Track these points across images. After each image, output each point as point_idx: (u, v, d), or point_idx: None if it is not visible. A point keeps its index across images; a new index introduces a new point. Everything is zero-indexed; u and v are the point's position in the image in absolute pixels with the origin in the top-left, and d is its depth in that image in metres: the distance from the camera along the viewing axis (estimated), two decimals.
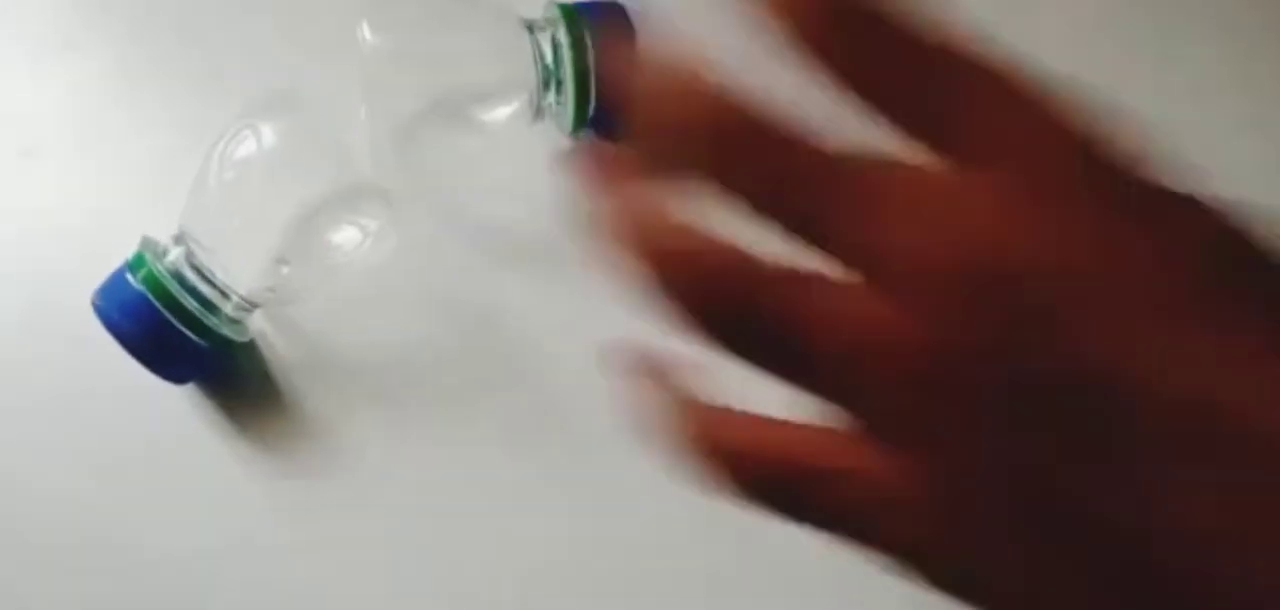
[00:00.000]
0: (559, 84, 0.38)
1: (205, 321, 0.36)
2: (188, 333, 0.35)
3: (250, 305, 0.37)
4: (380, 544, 0.37)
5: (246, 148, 0.36)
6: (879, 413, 0.15)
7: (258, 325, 0.39)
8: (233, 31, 0.44)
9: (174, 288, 0.35)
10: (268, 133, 0.36)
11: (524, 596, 0.37)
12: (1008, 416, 0.14)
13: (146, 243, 0.36)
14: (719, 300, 0.15)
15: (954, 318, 0.14)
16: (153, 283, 0.35)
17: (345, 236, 0.38)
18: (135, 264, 0.36)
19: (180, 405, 0.38)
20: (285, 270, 0.37)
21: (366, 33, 0.36)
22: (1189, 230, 0.14)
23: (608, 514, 0.38)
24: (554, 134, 0.41)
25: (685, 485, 0.18)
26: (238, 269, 0.36)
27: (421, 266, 0.40)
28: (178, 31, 0.44)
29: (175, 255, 0.36)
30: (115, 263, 0.36)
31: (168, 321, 0.35)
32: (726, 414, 0.18)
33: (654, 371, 0.18)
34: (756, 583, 0.37)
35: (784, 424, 0.17)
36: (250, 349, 0.39)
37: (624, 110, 0.16)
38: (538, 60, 0.38)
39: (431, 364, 0.40)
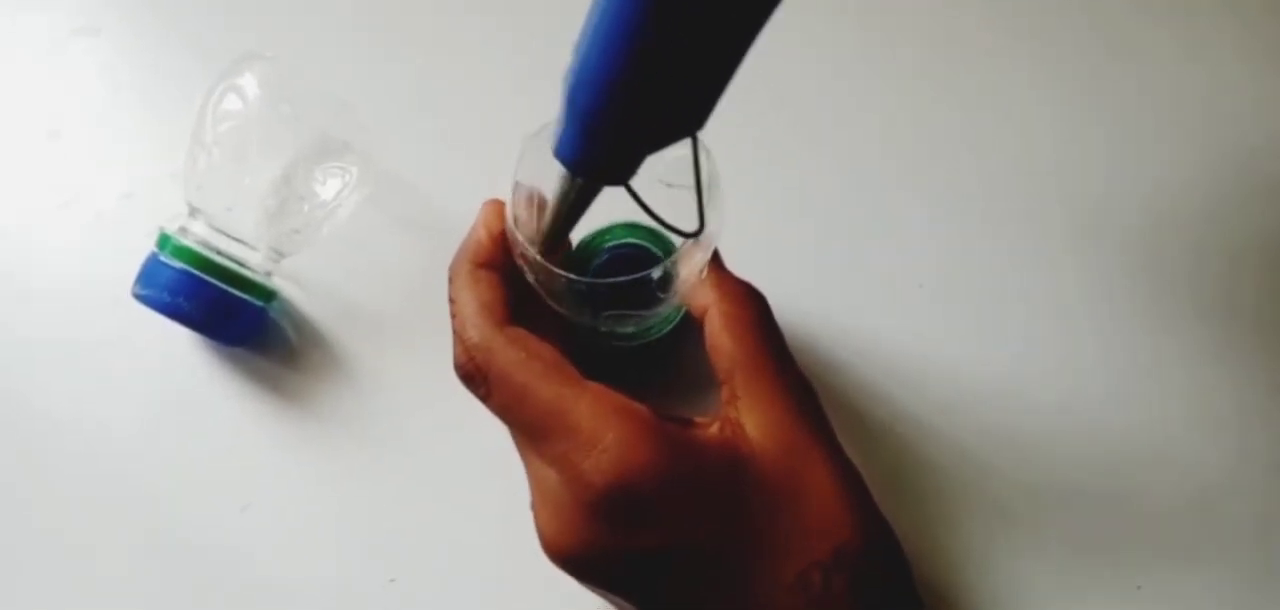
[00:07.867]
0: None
1: (248, 278, 0.37)
2: (236, 292, 0.37)
3: (277, 255, 0.38)
4: (424, 480, 0.38)
5: (234, 107, 0.36)
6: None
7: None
8: (258, 13, 0.45)
9: (211, 255, 0.36)
10: (250, 90, 0.37)
11: None
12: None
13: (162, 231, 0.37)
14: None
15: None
16: (190, 256, 0.36)
17: (329, 186, 0.39)
18: (163, 244, 0.36)
19: (221, 365, 0.39)
20: (285, 222, 0.38)
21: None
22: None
23: None
24: None
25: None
26: (250, 225, 0.37)
27: (416, 206, 0.42)
28: (200, 13, 0.45)
29: (198, 226, 0.37)
30: (142, 237, 0.37)
31: (215, 287, 0.36)
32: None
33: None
34: None
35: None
36: (279, 301, 0.40)
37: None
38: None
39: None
